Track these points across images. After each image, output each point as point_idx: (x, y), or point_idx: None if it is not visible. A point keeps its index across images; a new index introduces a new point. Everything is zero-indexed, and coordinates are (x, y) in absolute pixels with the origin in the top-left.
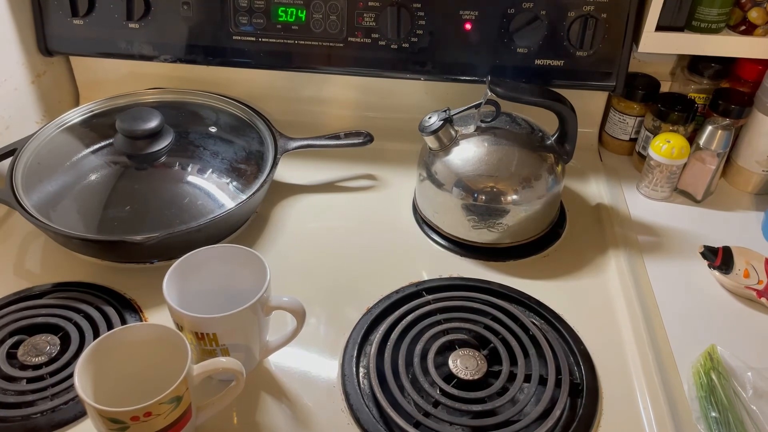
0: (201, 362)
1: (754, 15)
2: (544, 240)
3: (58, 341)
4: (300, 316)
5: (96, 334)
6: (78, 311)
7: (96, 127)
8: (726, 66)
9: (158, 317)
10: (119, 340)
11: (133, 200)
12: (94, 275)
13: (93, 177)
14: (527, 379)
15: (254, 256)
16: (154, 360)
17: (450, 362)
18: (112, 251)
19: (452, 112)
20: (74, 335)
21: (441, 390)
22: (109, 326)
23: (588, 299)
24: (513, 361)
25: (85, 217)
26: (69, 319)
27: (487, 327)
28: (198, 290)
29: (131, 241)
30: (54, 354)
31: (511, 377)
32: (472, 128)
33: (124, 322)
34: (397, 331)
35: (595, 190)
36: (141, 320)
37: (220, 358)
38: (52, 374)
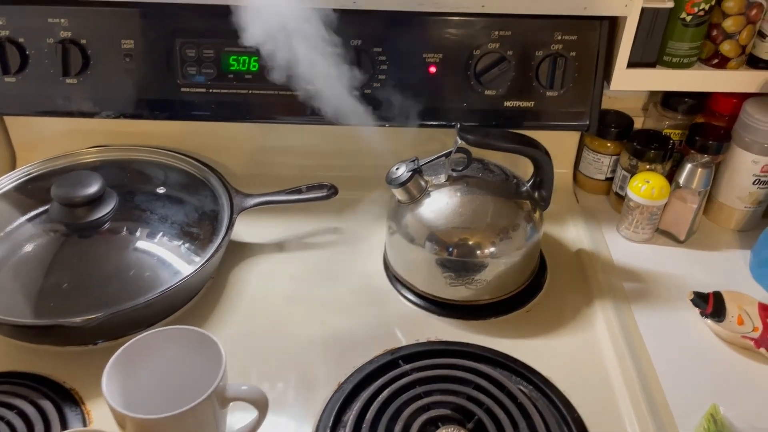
0: None
1: (726, 48)
2: (526, 293)
3: None
4: (262, 406)
5: None
6: (10, 407)
7: (32, 193)
8: (700, 100)
9: (103, 409)
10: None
11: (72, 275)
12: (29, 363)
13: (27, 250)
14: None
15: (208, 339)
16: None
17: None
18: (47, 335)
19: (421, 162)
20: None
21: None
22: (46, 425)
23: (577, 358)
24: None
25: (17, 297)
26: (0, 418)
27: (470, 398)
28: (146, 381)
29: (69, 324)
30: None
31: None
32: (443, 178)
33: (63, 417)
34: (373, 409)
35: (574, 234)
36: (82, 413)
37: None
38: None
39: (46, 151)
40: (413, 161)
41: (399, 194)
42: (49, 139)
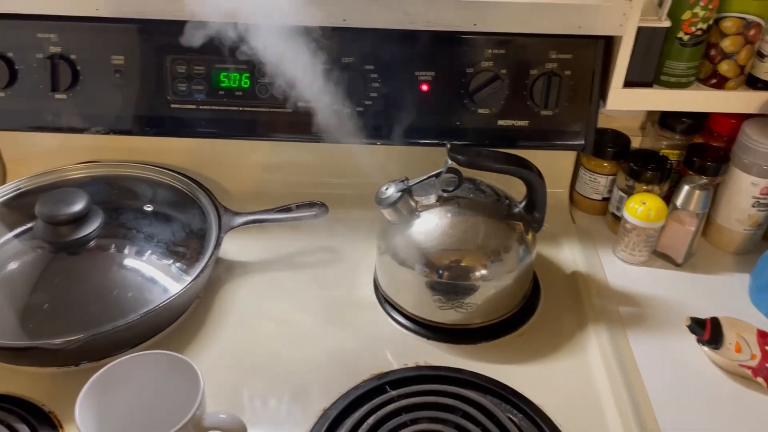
0: None
1: (724, 68)
2: (518, 317)
3: None
4: None
5: None
6: None
7: (20, 209)
8: (698, 120)
9: None
10: None
11: (55, 294)
12: (7, 383)
13: (10, 268)
14: None
15: (186, 365)
16: None
17: None
18: (27, 357)
19: (411, 183)
20: None
21: None
22: None
23: (570, 386)
24: None
25: None
26: None
27: (458, 426)
28: (123, 408)
29: (48, 347)
30: None
31: None
32: (433, 198)
33: None
34: None
35: (569, 255)
36: None
37: None
38: None
39: (37, 166)
40: (403, 181)
41: (388, 214)
42: (41, 154)
